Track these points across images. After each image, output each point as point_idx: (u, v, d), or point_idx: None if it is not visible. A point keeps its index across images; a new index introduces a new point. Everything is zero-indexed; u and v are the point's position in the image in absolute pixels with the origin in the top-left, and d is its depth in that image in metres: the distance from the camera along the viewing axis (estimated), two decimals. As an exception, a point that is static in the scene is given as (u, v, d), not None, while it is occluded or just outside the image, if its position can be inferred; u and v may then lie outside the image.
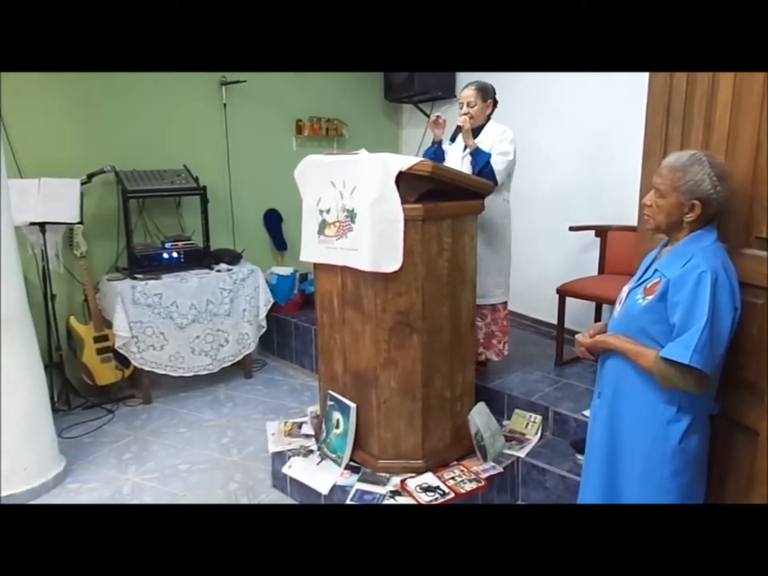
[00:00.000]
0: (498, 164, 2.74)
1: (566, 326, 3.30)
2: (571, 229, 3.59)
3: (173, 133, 4.02)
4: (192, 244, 3.88)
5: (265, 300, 4.00)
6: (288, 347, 4.32)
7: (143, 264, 3.64)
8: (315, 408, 2.96)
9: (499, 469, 2.53)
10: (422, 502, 2.28)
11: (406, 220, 2.23)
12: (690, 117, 1.74)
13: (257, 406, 3.64)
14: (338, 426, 2.58)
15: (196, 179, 3.82)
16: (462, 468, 2.52)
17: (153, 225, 3.97)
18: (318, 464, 2.60)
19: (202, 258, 3.87)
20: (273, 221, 4.62)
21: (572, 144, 3.83)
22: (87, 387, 3.59)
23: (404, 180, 2.21)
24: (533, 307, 4.14)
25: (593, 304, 3.41)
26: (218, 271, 3.83)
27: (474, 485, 2.41)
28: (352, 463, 2.54)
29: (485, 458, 2.57)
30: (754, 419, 1.62)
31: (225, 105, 4.22)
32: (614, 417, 1.73)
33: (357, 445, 2.55)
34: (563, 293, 3.25)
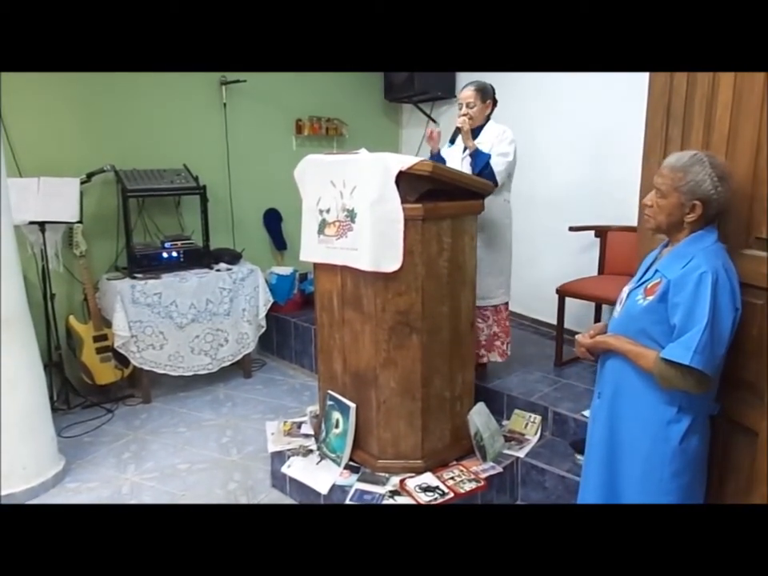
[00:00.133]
0: (497, 165, 2.73)
1: (566, 326, 3.30)
2: (571, 229, 3.59)
3: (173, 132, 4.01)
4: (192, 243, 3.87)
5: (264, 300, 4.00)
6: (287, 347, 4.32)
7: (143, 263, 3.64)
8: (315, 408, 2.96)
9: (499, 469, 2.53)
10: (422, 502, 2.28)
11: (406, 220, 2.23)
12: (690, 117, 1.74)
13: (256, 406, 3.64)
14: (337, 426, 2.58)
15: (196, 179, 3.82)
16: (461, 468, 2.52)
17: (152, 224, 3.97)
18: (317, 464, 2.60)
19: (201, 257, 3.87)
20: (272, 220, 4.62)
21: (572, 144, 3.83)
22: (86, 386, 3.59)
23: (404, 180, 2.21)
24: (532, 307, 4.14)
25: (592, 304, 3.41)
26: (218, 271, 3.83)
27: (473, 485, 2.41)
28: (351, 463, 2.54)
29: (484, 458, 2.56)
30: (753, 420, 1.62)
31: (225, 104, 4.22)
32: (614, 417, 1.73)
33: (356, 445, 2.54)
34: (563, 293, 3.25)
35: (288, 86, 4.44)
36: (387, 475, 2.46)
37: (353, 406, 2.51)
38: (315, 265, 2.63)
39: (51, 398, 3.12)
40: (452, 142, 2.93)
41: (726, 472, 1.74)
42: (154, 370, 3.59)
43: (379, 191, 2.23)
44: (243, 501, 2.66)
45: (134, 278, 3.55)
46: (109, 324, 3.50)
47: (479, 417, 2.60)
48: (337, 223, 2.41)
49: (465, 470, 2.51)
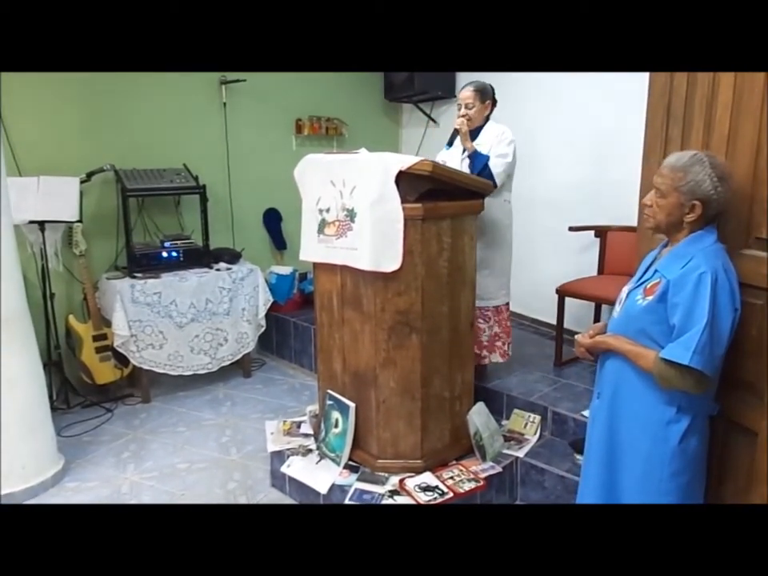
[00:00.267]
0: (496, 166, 2.72)
1: (566, 326, 3.30)
2: (571, 229, 3.59)
3: (172, 132, 4.01)
4: (191, 243, 3.87)
5: (264, 299, 4.00)
6: (287, 346, 4.32)
7: (142, 263, 3.64)
8: (314, 407, 2.96)
9: (498, 469, 2.53)
10: (421, 502, 2.28)
11: (405, 219, 2.23)
12: (691, 117, 1.74)
13: (256, 405, 3.64)
14: (336, 426, 2.58)
15: (195, 178, 3.82)
16: (460, 468, 2.52)
17: (152, 223, 3.97)
18: (316, 463, 2.60)
19: (201, 256, 3.87)
20: (272, 220, 4.62)
21: (572, 144, 3.83)
22: (86, 386, 3.59)
23: (404, 179, 2.21)
24: (532, 307, 4.14)
25: (592, 304, 3.41)
26: (218, 270, 3.83)
27: (472, 484, 2.41)
28: (351, 463, 2.54)
29: (484, 458, 2.57)
30: (753, 420, 1.62)
31: (224, 104, 4.22)
32: (614, 417, 1.73)
33: (356, 444, 2.54)
34: (563, 293, 3.26)
35: (288, 86, 4.44)
36: (387, 475, 2.46)
37: (352, 405, 2.51)
38: (315, 264, 2.63)
39: (51, 397, 3.12)
40: (449, 144, 2.93)
41: (726, 472, 1.74)
42: (154, 369, 3.59)
43: (379, 191, 2.23)
44: (243, 500, 2.66)
45: (134, 277, 3.55)
46: (108, 323, 3.50)
47: (479, 416, 2.61)
48: (336, 223, 2.41)
49: (464, 469, 2.51)
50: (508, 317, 3.04)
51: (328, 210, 2.45)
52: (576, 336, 1.88)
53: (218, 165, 4.24)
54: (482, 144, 2.81)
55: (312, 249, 2.55)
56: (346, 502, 2.32)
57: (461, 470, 2.50)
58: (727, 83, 1.63)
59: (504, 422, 2.88)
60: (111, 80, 3.66)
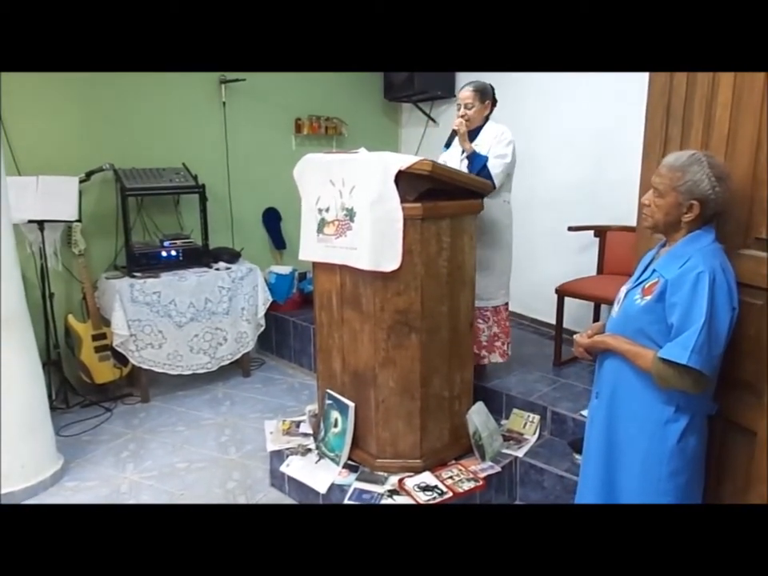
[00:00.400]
0: (494, 167, 2.72)
1: (565, 326, 3.30)
2: (570, 229, 3.59)
3: (172, 131, 4.01)
4: (191, 242, 3.87)
5: (263, 299, 4.00)
6: (286, 346, 4.32)
7: (142, 262, 3.64)
8: (313, 407, 2.96)
9: (497, 468, 2.53)
10: (420, 501, 2.28)
11: (405, 219, 2.23)
12: (690, 117, 1.74)
13: (255, 405, 3.64)
14: (336, 425, 2.58)
15: (195, 177, 3.82)
16: (460, 467, 2.52)
17: (151, 223, 3.97)
18: (316, 463, 2.60)
19: (200, 256, 3.87)
20: (272, 219, 4.62)
21: (571, 144, 3.83)
22: (85, 385, 3.59)
23: (403, 179, 2.21)
24: (531, 307, 4.14)
25: (591, 304, 3.42)
26: (217, 270, 3.83)
27: (472, 484, 2.41)
28: (350, 462, 2.54)
29: (483, 458, 2.57)
30: (751, 419, 1.63)
31: (224, 103, 4.22)
32: (612, 417, 1.73)
33: (355, 444, 2.55)
34: (562, 293, 3.26)
35: (287, 85, 4.43)
36: (386, 474, 2.46)
37: (351, 405, 2.51)
38: (314, 264, 2.63)
39: (50, 396, 3.12)
40: (447, 146, 2.92)
41: (724, 471, 1.75)
42: (153, 368, 3.59)
43: (378, 190, 2.23)
44: (242, 500, 2.66)
45: (133, 276, 3.55)
46: (107, 323, 3.50)
47: (478, 416, 2.61)
48: (336, 222, 2.41)
49: (463, 469, 2.51)
50: (507, 317, 3.04)
51: (327, 210, 2.45)
52: (574, 336, 1.88)
53: (217, 164, 4.24)
54: (481, 144, 2.80)
55: (311, 248, 2.55)
56: (346, 501, 2.32)
57: (460, 470, 2.50)
58: (727, 83, 1.63)
59: (503, 422, 2.89)
60: (110, 79, 3.65)
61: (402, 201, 2.21)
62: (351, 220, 2.34)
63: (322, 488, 2.43)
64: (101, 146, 3.68)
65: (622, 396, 1.70)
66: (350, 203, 2.34)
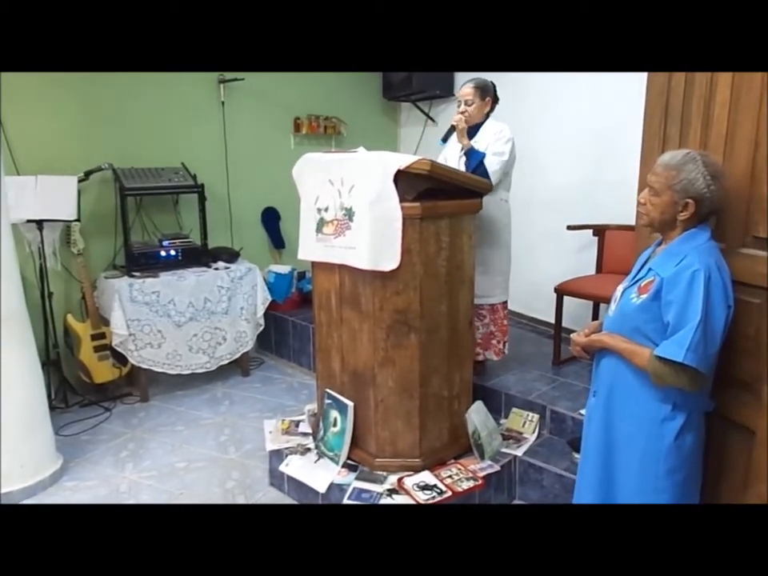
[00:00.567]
0: (492, 164, 2.71)
1: (564, 324, 3.30)
2: (569, 228, 3.59)
3: (171, 130, 4.01)
4: (190, 242, 3.87)
5: (262, 298, 4.00)
6: (286, 345, 4.32)
7: (141, 262, 3.63)
8: (313, 406, 2.96)
9: (496, 467, 2.54)
10: (419, 501, 2.28)
11: (404, 218, 2.23)
12: (689, 117, 1.75)
13: (254, 404, 3.64)
14: (335, 425, 2.58)
15: (194, 177, 3.82)
16: (459, 466, 2.53)
17: (150, 222, 3.97)
18: (315, 462, 2.60)
19: (199, 255, 3.87)
20: (271, 219, 4.62)
21: (570, 143, 3.83)
22: (84, 385, 3.58)
23: (402, 178, 2.21)
24: (530, 306, 4.14)
25: (590, 303, 3.42)
26: (216, 269, 3.83)
27: (471, 483, 2.41)
28: (349, 461, 2.54)
29: (482, 457, 2.57)
30: (750, 418, 1.63)
31: (223, 103, 4.22)
32: (610, 415, 1.74)
33: (354, 443, 2.55)
34: (561, 292, 3.26)
35: (286, 85, 4.43)
36: (385, 474, 2.46)
37: (351, 404, 2.51)
38: (313, 263, 2.63)
39: (49, 396, 3.12)
40: (444, 140, 2.91)
41: (723, 470, 1.75)
42: (152, 368, 3.59)
43: (377, 190, 2.23)
44: (241, 499, 2.66)
45: (132, 276, 3.55)
46: (107, 322, 3.50)
47: (477, 415, 2.61)
48: (335, 222, 2.41)
49: (463, 468, 2.51)
50: (505, 315, 3.04)
51: (326, 209, 2.45)
52: (572, 335, 1.88)
53: (216, 164, 4.24)
54: (480, 141, 2.80)
55: (310, 248, 2.55)
56: (345, 500, 2.33)
57: (459, 469, 2.51)
58: (725, 82, 1.63)
59: (502, 421, 2.89)
60: (109, 79, 3.65)
61: (401, 200, 2.21)
62: (350, 219, 2.34)
63: (321, 487, 2.43)
64: (100, 145, 3.68)
65: (619, 394, 1.70)
66: (348, 203, 2.34)
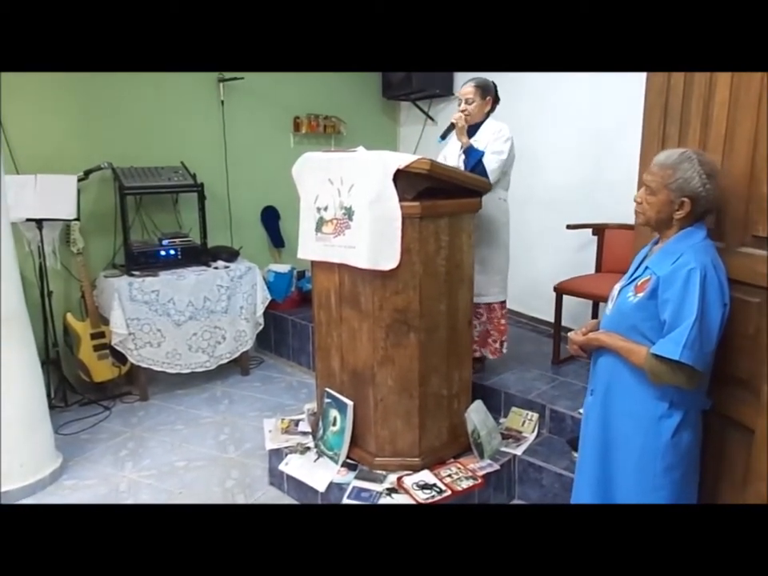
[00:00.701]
0: (490, 163, 2.71)
1: (563, 324, 3.30)
2: (568, 227, 3.59)
3: (170, 130, 4.01)
4: (189, 241, 3.87)
5: (262, 297, 4.00)
6: (285, 345, 4.32)
7: (140, 261, 3.64)
8: (312, 405, 2.96)
9: (496, 466, 2.54)
10: (419, 500, 2.29)
11: (403, 218, 2.23)
12: (688, 116, 1.75)
13: (254, 403, 3.64)
14: (335, 424, 2.58)
15: (193, 176, 3.82)
16: (458, 465, 2.53)
17: (150, 222, 3.97)
18: (314, 461, 2.60)
19: (199, 255, 3.87)
20: (270, 218, 4.62)
21: (570, 142, 3.83)
22: (84, 384, 3.59)
23: (402, 178, 2.21)
24: (530, 305, 4.14)
25: (590, 302, 3.42)
26: (216, 268, 3.83)
27: (470, 482, 2.42)
28: (349, 461, 2.55)
29: (481, 456, 2.57)
30: (749, 417, 1.63)
31: (222, 102, 4.21)
32: (607, 413, 1.74)
33: (354, 442, 2.55)
34: (560, 291, 3.26)
35: (286, 84, 4.43)
36: (384, 473, 2.47)
37: (350, 403, 2.51)
38: (313, 263, 2.63)
39: (48, 395, 3.12)
40: (443, 137, 2.90)
41: (722, 469, 1.75)
42: (152, 367, 3.59)
43: (377, 189, 2.23)
44: (240, 498, 2.66)
45: (132, 275, 3.55)
46: (106, 321, 3.50)
47: (476, 414, 2.61)
48: (334, 221, 2.41)
49: (462, 467, 2.52)
50: (503, 315, 3.04)
51: (326, 209, 2.45)
52: (569, 333, 1.89)
53: (215, 163, 4.24)
54: (479, 140, 2.80)
55: (310, 247, 2.55)
56: (344, 499, 2.33)
57: (459, 468, 2.51)
58: (724, 82, 1.63)
59: (502, 420, 2.89)
60: (109, 78, 3.65)
61: (401, 199, 2.22)
62: (350, 219, 2.34)
63: (320, 486, 2.43)
64: (99, 144, 3.68)
65: (617, 393, 1.71)
66: (348, 202, 2.34)
